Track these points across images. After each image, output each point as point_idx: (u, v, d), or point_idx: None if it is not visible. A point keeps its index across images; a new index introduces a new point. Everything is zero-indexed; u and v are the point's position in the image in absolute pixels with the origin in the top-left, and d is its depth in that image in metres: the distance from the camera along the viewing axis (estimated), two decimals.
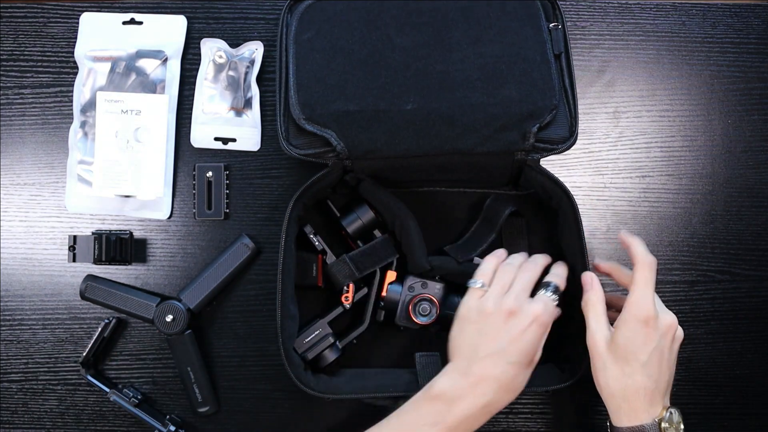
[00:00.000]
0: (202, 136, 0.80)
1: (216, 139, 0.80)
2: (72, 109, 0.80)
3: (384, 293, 0.74)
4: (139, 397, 0.76)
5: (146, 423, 0.75)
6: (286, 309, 0.69)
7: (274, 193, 0.80)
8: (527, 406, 0.80)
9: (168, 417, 0.77)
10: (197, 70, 0.81)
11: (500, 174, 0.74)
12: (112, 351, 0.79)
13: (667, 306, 0.80)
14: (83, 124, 0.80)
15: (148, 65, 0.80)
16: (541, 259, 0.69)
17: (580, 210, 0.71)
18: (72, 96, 0.80)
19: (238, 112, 0.80)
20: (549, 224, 0.78)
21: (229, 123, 0.80)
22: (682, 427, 0.63)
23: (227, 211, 0.80)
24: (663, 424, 0.62)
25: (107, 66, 0.80)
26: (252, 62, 0.80)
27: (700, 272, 0.81)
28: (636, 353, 0.62)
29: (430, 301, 0.72)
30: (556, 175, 0.72)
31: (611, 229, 0.82)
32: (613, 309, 0.68)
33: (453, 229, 0.79)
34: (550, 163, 0.81)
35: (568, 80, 0.72)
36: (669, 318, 0.64)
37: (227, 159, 0.80)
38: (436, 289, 0.73)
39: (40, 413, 0.79)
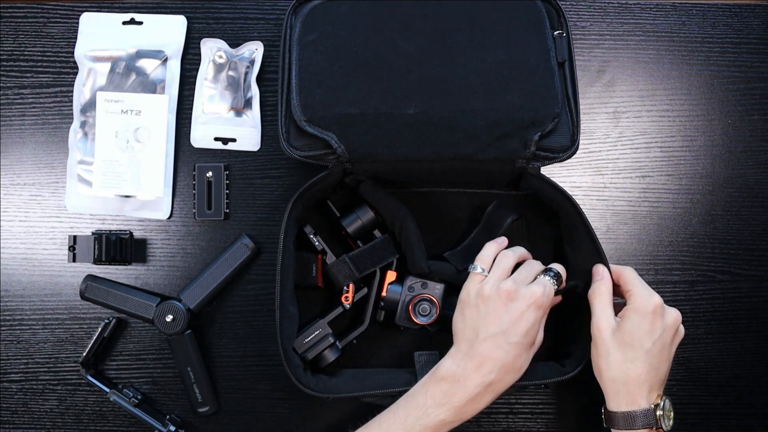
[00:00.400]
0: (202, 136, 0.80)
1: (216, 139, 0.80)
2: (72, 109, 0.80)
3: (384, 293, 0.74)
4: (139, 397, 0.76)
5: (146, 423, 0.75)
6: (285, 309, 0.69)
7: (274, 193, 0.80)
8: (527, 406, 0.80)
9: (168, 417, 0.77)
10: (197, 70, 0.81)
11: (500, 179, 0.74)
12: (112, 351, 0.79)
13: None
14: (83, 124, 0.80)
15: (148, 65, 0.80)
16: (539, 264, 0.71)
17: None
18: (72, 96, 0.80)
19: (238, 112, 0.80)
20: (549, 225, 0.78)
21: (229, 123, 0.80)
22: (672, 415, 0.65)
23: (227, 211, 0.80)
24: (658, 411, 0.63)
25: (107, 66, 0.80)
26: (252, 62, 0.80)
27: (700, 272, 0.81)
28: (641, 340, 0.64)
29: (430, 301, 0.72)
30: (557, 176, 0.72)
31: (611, 229, 0.82)
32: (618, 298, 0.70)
33: (452, 229, 0.79)
34: (548, 164, 0.80)
35: (571, 89, 0.72)
36: (675, 312, 0.67)
37: (227, 159, 0.80)
38: (436, 289, 0.73)
39: (40, 413, 0.79)
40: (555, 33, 0.72)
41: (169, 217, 0.80)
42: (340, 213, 0.75)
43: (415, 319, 0.72)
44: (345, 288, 0.74)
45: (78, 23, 0.81)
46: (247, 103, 0.80)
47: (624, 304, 0.67)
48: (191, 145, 0.80)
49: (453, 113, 0.68)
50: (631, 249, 0.81)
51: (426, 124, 0.68)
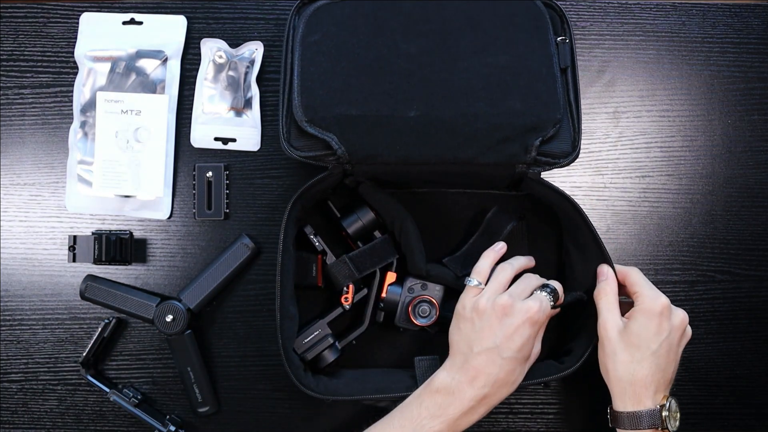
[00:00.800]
0: (202, 136, 0.80)
1: (216, 139, 0.80)
2: (72, 109, 0.80)
3: (384, 294, 0.74)
4: (139, 397, 0.76)
5: (146, 423, 0.75)
6: (285, 309, 0.69)
7: (274, 193, 0.80)
8: (527, 406, 0.80)
9: (168, 417, 0.77)
10: (197, 70, 0.81)
11: (500, 183, 0.74)
12: (112, 351, 0.79)
13: None
14: (83, 124, 0.80)
15: (148, 65, 0.80)
16: (537, 277, 0.70)
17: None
18: (72, 96, 0.80)
19: (238, 112, 0.80)
20: (550, 226, 0.78)
21: (229, 123, 0.80)
22: (678, 416, 0.65)
23: (227, 211, 0.80)
24: (664, 412, 0.63)
25: (107, 66, 0.80)
26: (252, 62, 0.80)
27: (700, 272, 0.81)
28: (648, 341, 0.64)
29: (430, 302, 0.72)
30: (557, 176, 0.72)
31: (611, 229, 0.82)
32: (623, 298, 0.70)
33: (453, 229, 0.79)
34: (548, 169, 0.80)
35: (573, 95, 0.71)
36: (682, 313, 0.67)
37: (227, 159, 0.80)
38: (436, 290, 0.73)
39: (40, 413, 0.79)
40: (558, 39, 0.72)
41: (169, 217, 0.80)
42: (340, 213, 0.75)
43: (414, 321, 0.72)
44: (345, 289, 0.74)
45: (78, 23, 0.81)
46: (247, 103, 0.80)
47: (631, 304, 0.67)
48: (191, 145, 0.80)
49: (454, 116, 0.68)
50: (631, 249, 0.81)
51: (427, 126, 0.68)
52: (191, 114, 0.80)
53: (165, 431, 0.75)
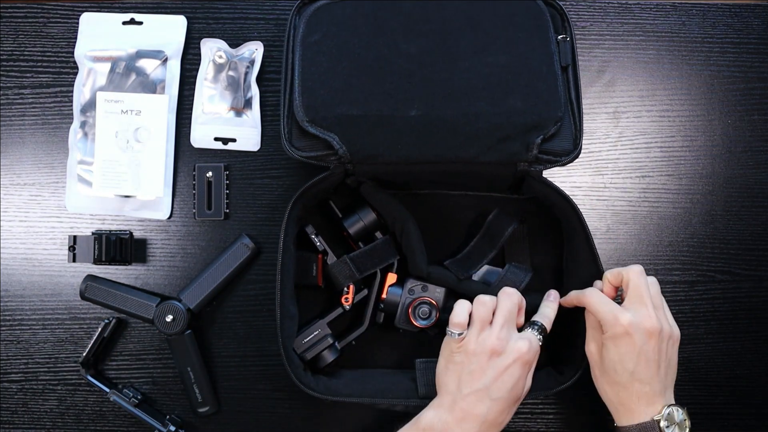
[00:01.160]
0: (202, 136, 0.80)
1: (216, 139, 0.80)
2: (72, 109, 0.80)
3: (384, 295, 0.74)
4: (139, 397, 0.76)
5: (146, 423, 0.75)
6: (285, 309, 0.69)
7: (274, 193, 0.80)
8: (527, 406, 0.80)
9: (168, 417, 0.77)
10: (197, 70, 0.81)
11: (502, 183, 0.74)
12: (112, 351, 0.79)
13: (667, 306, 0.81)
14: (83, 124, 0.80)
15: (148, 65, 0.80)
16: (515, 294, 0.67)
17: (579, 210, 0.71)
18: (72, 96, 0.80)
19: (238, 112, 0.80)
20: (551, 229, 0.78)
21: (229, 123, 0.80)
22: (688, 424, 0.64)
23: (227, 211, 0.80)
24: (662, 423, 0.62)
25: (107, 66, 0.80)
26: (252, 62, 0.80)
27: (700, 272, 0.81)
28: (623, 364, 0.63)
29: (430, 304, 0.72)
30: (557, 176, 0.72)
31: (611, 229, 0.82)
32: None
33: (454, 231, 0.79)
34: (550, 167, 0.80)
35: (575, 93, 0.71)
36: (648, 324, 0.63)
37: (227, 159, 0.80)
38: (437, 292, 0.73)
39: (40, 413, 0.79)
40: (559, 37, 0.72)
41: (169, 217, 0.80)
42: (342, 214, 0.75)
43: (414, 322, 0.72)
44: (345, 289, 0.74)
45: (78, 23, 0.81)
46: (247, 103, 0.80)
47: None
48: (191, 145, 0.80)
49: (455, 116, 0.68)
50: (631, 249, 0.81)
51: (428, 126, 0.68)
52: (191, 114, 0.80)
53: (165, 431, 0.75)
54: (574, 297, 0.68)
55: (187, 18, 0.81)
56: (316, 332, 0.73)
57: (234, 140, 0.80)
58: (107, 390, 0.76)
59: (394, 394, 0.69)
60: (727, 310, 0.81)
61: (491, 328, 0.64)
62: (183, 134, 0.81)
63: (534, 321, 0.68)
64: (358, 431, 0.78)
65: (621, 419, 0.65)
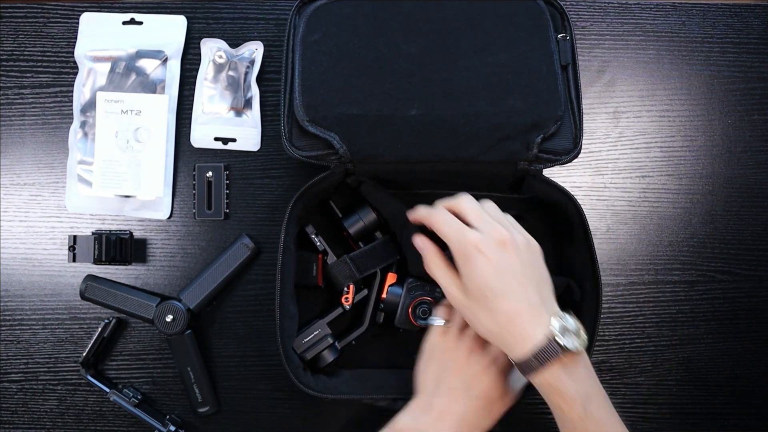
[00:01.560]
0: (202, 136, 0.80)
1: (216, 139, 0.80)
2: (72, 109, 0.80)
3: (384, 295, 0.74)
4: (139, 397, 0.76)
5: (146, 423, 0.75)
6: (285, 308, 0.69)
7: (274, 193, 0.80)
8: (527, 406, 0.80)
9: (168, 417, 0.77)
10: (197, 70, 0.81)
11: (502, 182, 0.74)
12: (112, 351, 0.79)
13: (666, 306, 0.81)
14: (83, 124, 0.80)
15: (148, 65, 0.80)
16: None
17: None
18: (72, 96, 0.80)
19: (238, 112, 0.80)
20: (551, 228, 0.78)
21: (229, 123, 0.80)
22: (583, 332, 0.58)
23: (227, 211, 0.80)
24: (557, 337, 0.56)
25: (107, 66, 0.80)
26: (252, 62, 0.80)
27: (700, 272, 0.81)
28: (487, 284, 0.58)
29: (430, 304, 0.72)
30: (558, 178, 0.72)
31: (611, 229, 0.82)
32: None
33: None
34: (550, 167, 0.80)
35: (575, 92, 0.71)
36: (497, 235, 0.59)
37: (227, 159, 0.80)
38: (437, 292, 0.73)
39: (40, 413, 0.79)
40: (558, 36, 0.72)
41: (169, 217, 0.80)
42: (342, 213, 0.75)
43: (414, 322, 0.72)
44: (345, 289, 0.74)
45: (78, 23, 0.81)
46: (247, 103, 0.80)
47: None
48: (191, 145, 0.80)
49: (455, 116, 0.68)
50: (631, 249, 0.81)
51: (428, 126, 0.68)
52: (191, 114, 0.80)
53: (165, 431, 0.75)
54: (424, 213, 0.64)
55: (187, 18, 0.81)
56: (316, 332, 0.73)
57: (234, 140, 0.80)
58: (107, 390, 0.76)
59: (393, 391, 0.69)
60: (727, 310, 0.81)
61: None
62: (183, 134, 0.81)
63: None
64: (358, 431, 0.78)
65: (513, 351, 0.57)
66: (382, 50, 0.70)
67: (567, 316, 0.58)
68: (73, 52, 0.81)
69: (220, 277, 0.76)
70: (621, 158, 0.82)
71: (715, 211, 0.82)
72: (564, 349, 0.55)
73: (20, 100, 0.81)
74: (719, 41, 0.84)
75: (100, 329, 0.76)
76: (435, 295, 0.73)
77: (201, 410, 0.76)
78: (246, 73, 0.80)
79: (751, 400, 0.81)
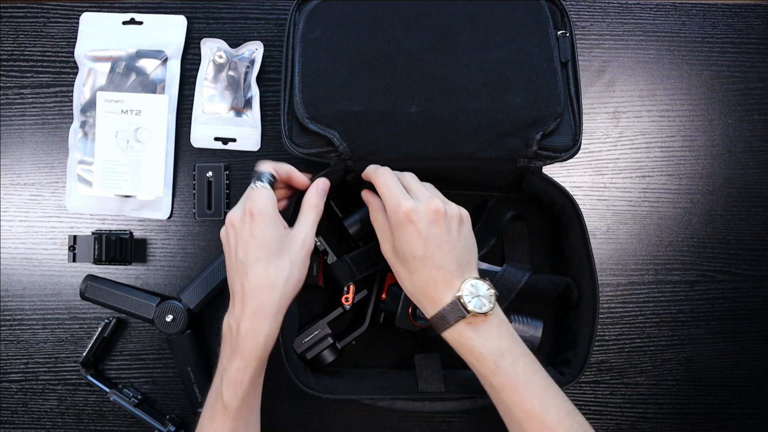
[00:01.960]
0: (202, 136, 0.80)
1: (216, 139, 0.80)
2: (72, 109, 0.80)
3: (384, 295, 0.74)
4: (139, 397, 0.76)
5: (146, 423, 0.75)
6: None
7: None
8: None
9: (168, 417, 0.77)
10: (197, 70, 0.81)
11: (502, 179, 0.74)
12: (112, 351, 0.79)
13: (667, 306, 0.81)
14: (83, 124, 0.80)
15: (148, 65, 0.80)
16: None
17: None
18: (72, 96, 0.80)
19: (238, 112, 0.80)
20: (550, 227, 0.78)
21: (229, 123, 0.80)
22: (492, 294, 0.61)
23: (227, 211, 0.79)
24: (463, 299, 0.60)
25: (107, 66, 0.80)
26: (252, 62, 0.80)
27: (700, 272, 0.81)
28: (411, 251, 0.61)
29: None
30: (558, 178, 0.72)
31: (611, 229, 0.82)
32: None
33: None
34: (549, 163, 0.81)
35: (574, 89, 0.71)
36: (431, 205, 0.61)
37: (227, 159, 0.80)
38: None
39: (40, 413, 0.79)
40: (558, 33, 0.72)
41: (169, 217, 0.80)
42: (342, 213, 0.75)
43: (414, 322, 0.72)
44: (345, 289, 0.74)
45: (78, 23, 0.81)
46: (247, 103, 0.80)
47: None
48: (191, 145, 0.80)
49: (455, 112, 0.68)
50: (631, 249, 0.81)
51: (428, 122, 0.68)
52: (191, 114, 0.80)
53: (165, 431, 0.75)
54: (371, 171, 0.66)
55: (187, 18, 0.81)
56: (317, 332, 0.73)
57: (234, 140, 0.80)
58: (107, 390, 0.76)
59: (393, 390, 0.69)
60: (727, 310, 0.81)
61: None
62: (183, 134, 0.81)
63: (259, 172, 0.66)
64: (358, 431, 0.78)
65: (426, 310, 0.62)
66: (382, 47, 0.70)
67: (480, 281, 0.61)
68: (73, 52, 0.81)
69: (220, 277, 0.76)
70: (621, 158, 0.82)
71: (715, 211, 0.82)
72: (471, 311, 0.60)
73: (20, 100, 0.81)
74: (719, 41, 0.84)
75: (100, 329, 0.76)
76: None
77: (201, 410, 0.76)
78: (246, 73, 0.80)
79: (751, 400, 0.81)
